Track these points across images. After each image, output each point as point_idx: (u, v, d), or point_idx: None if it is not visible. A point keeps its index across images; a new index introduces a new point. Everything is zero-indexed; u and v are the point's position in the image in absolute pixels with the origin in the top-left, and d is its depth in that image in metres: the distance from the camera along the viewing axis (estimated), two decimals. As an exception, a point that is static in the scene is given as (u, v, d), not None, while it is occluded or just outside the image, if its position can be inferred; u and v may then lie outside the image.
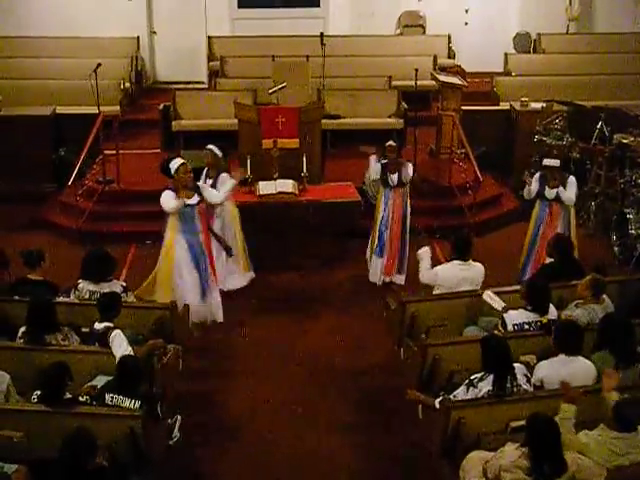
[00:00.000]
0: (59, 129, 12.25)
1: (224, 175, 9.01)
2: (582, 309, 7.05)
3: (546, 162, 9.00)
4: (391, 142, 9.45)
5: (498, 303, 7.21)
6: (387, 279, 9.62)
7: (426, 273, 7.84)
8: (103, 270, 7.65)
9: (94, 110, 11.55)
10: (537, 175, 9.07)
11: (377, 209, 9.53)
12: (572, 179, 8.89)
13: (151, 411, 6.11)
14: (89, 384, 6.37)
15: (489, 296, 7.28)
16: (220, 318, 8.53)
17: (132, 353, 6.53)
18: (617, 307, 7.11)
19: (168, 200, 8.14)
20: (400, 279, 9.56)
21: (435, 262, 8.17)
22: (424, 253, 7.95)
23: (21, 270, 7.72)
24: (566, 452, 5.25)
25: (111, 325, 6.80)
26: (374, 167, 9.43)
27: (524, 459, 5.22)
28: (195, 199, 8.23)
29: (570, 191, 8.83)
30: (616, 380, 5.74)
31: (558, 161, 8.99)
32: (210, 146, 9.25)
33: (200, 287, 8.33)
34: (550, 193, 8.89)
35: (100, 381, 6.42)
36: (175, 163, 8.19)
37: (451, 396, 6.20)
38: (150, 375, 6.70)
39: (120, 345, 6.60)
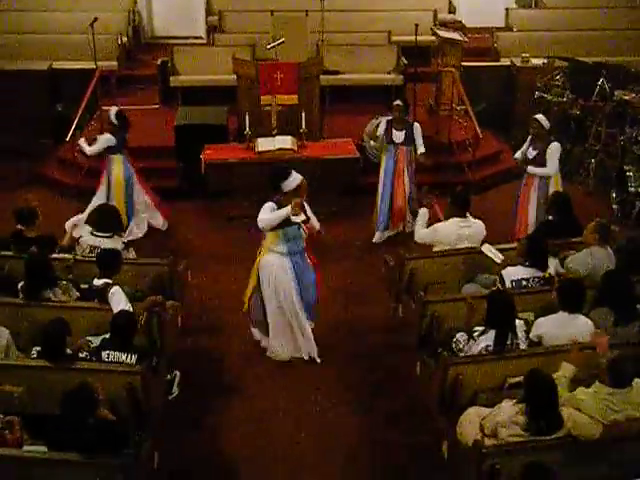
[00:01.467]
0: (56, 84, 12.17)
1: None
2: (585, 251, 7.09)
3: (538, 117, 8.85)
4: (398, 101, 9.49)
5: (497, 256, 7.22)
6: (392, 233, 9.60)
7: (421, 232, 7.82)
8: (111, 225, 7.68)
9: (91, 65, 11.44)
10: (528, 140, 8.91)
11: (381, 166, 9.52)
12: (554, 146, 8.67)
13: (148, 365, 6.16)
14: (87, 338, 6.38)
15: (489, 249, 7.29)
16: (315, 353, 7.54)
17: (131, 310, 6.56)
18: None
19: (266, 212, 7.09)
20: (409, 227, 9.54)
21: (435, 219, 8.17)
22: (421, 215, 7.93)
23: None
24: (562, 408, 5.30)
25: (110, 281, 6.81)
26: (381, 124, 9.43)
27: (521, 415, 5.28)
28: (302, 217, 7.03)
29: (550, 162, 8.64)
30: (606, 340, 5.76)
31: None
32: (538, 116, 8.87)
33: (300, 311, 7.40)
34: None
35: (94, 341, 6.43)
36: (294, 180, 7.12)
37: (453, 339, 6.27)
38: (149, 331, 6.73)
39: (119, 302, 6.61)
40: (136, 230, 9.63)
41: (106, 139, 9.37)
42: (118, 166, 9.44)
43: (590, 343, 5.98)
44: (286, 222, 7.02)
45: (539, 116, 8.84)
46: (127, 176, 9.50)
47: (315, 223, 7.36)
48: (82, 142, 9.57)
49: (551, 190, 8.71)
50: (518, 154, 9.03)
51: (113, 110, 9.47)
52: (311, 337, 7.47)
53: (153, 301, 6.90)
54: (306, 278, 7.35)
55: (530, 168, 8.77)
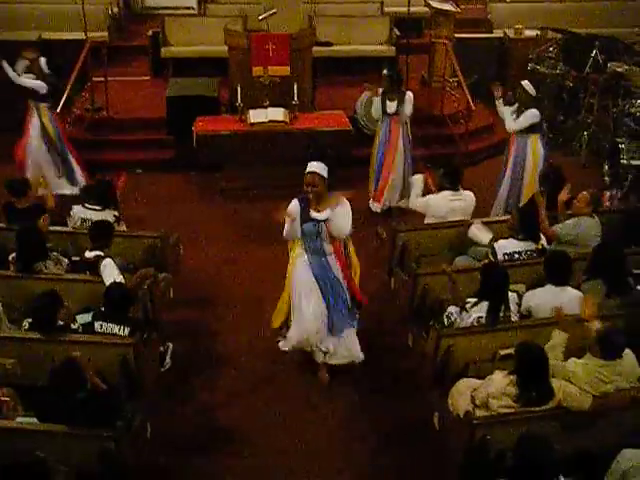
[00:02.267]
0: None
1: None
2: (573, 220, 7.16)
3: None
4: (385, 71, 9.52)
5: (486, 236, 7.21)
6: (385, 206, 9.61)
7: (417, 200, 7.83)
8: (105, 197, 7.69)
9: (82, 36, 11.34)
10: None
11: (376, 137, 9.50)
12: (530, 111, 8.61)
13: (140, 337, 6.17)
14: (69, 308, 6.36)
15: (477, 228, 7.29)
16: (359, 356, 6.89)
17: (123, 282, 6.55)
18: (604, 236, 7.17)
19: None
20: (405, 203, 9.53)
21: (426, 192, 8.16)
22: (417, 180, 7.94)
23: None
24: (553, 380, 5.33)
25: (101, 254, 6.80)
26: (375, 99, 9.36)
27: (512, 386, 5.31)
28: (327, 214, 6.45)
29: (518, 120, 8.65)
30: (595, 307, 5.78)
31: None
32: (524, 82, 8.81)
33: (326, 320, 6.70)
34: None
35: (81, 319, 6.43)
36: (308, 167, 6.53)
37: (446, 313, 6.30)
38: (143, 304, 6.73)
39: (111, 274, 6.61)
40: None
41: (38, 84, 9.33)
42: (44, 114, 9.39)
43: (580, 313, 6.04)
44: (303, 217, 6.51)
45: (524, 82, 8.81)
46: (54, 125, 9.47)
47: (341, 226, 6.53)
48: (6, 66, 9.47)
49: (528, 157, 8.77)
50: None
51: (43, 59, 9.49)
52: (345, 344, 6.79)
53: (145, 273, 6.90)
54: (331, 279, 6.64)
55: (499, 105, 8.85)
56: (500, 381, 5.41)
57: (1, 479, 4.49)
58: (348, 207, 6.50)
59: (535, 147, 8.78)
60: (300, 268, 6.64)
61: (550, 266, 6.33)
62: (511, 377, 5.36)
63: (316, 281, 6.59)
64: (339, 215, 6.44)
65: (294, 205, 6.49)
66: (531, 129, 8.71)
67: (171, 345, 7.08)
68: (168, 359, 6.99)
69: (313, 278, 6.59)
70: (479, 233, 7.27)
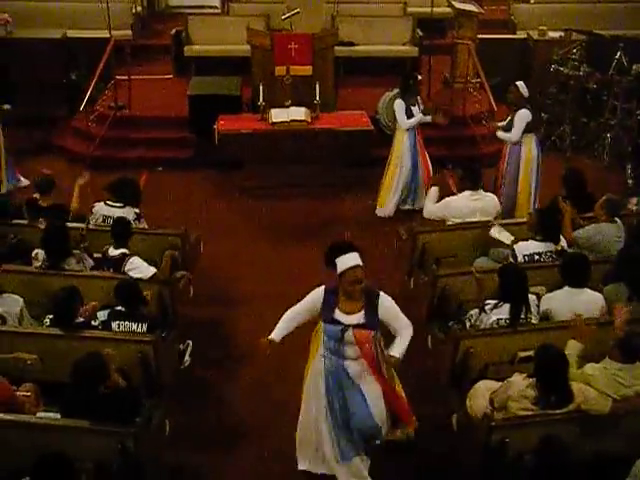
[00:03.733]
0: (70, 53, 12.14)
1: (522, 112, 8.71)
2: (594, 226, 7.13)
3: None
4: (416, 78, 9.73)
5: (506, 237, 7.21)
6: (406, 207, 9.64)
7: (431, 207, 7.83)
8: (127, 195, 7.73)
9: (105, 34, 11.43)
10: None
11: (398, 144, 9.51)
12: (522, 112, 8.70)
13: (159, 334, 6.21)
14: (92, 304, 6.40)
15: (497, 231, 7.28)
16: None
17: (155, 272, 6.76)
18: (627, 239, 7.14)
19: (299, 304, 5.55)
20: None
21: (448, 192, 8.15)
22: (432, 192, 7.95)
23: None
24: (572, 383, 5.31)
25: (127, 252, 6.86)
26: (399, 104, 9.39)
27: (531, 389, 5.29)
28: (358, 317, 5.34)
29: (514, 129, 8.72)
30: (627, 315, 5.73)
31: None
32: (518, 83, 8.95)
33: (334, 442, 5.60)
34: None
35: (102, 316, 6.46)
36: (348, 261, 5.30)
37: (467, 316, 6.28)
38: (161, 301, 6.77)
39: (142, 269, 6.76)
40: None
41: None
42: None
43: (599, 318, 6.00)
44: (325, 314, 5.41)
45: (519, 83, 8.88)
46: None
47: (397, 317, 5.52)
48: None
49: (523, 158, 8.79)
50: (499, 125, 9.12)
51: None
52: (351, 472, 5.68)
53: (170, 255, 7.05)
54: (357, 395, 5.46)
55: (498, 133, 8.91)
56: (519, 383, 5.38)
57: (30, 474, 4.52)
58: (387, 297, 5.50)
59: (530, 147, 8.86)
60: (314, 370, 5.61)
61: (568, 268, 6.30)
62: (530, 380, 5.34)
63: (325, 394, 5.51)
64: (390, 308, 5.47)
65: (318, 295, 5.46)
66: (525, 130, 8.79)
67: (191, 343, 7.11)
68: (187, 357, 7.01)
69: (323, 390, 5.51)
70: (499, 235, 7.25)
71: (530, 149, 8.84)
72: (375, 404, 5.50)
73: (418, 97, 9.58)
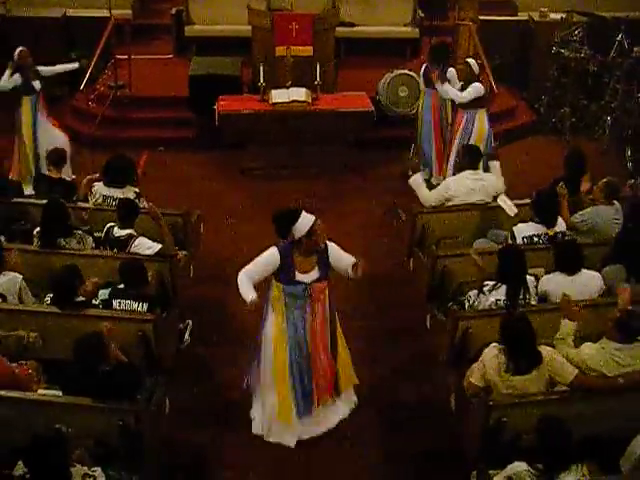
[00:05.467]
0: (70, 32, 12.11)
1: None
2: (592, 209, 7.16)
3: None
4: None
5: (512, 210, 7.23)
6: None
7: (430, 194, 7.80)
8: (124, 175, 7.70)
9: (106, 14, 11.38)
10: None
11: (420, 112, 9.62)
12: (475, 84, 8.91)
13: (159, 313, 6.24)
14: (92, 280, 6.41)
15: (503, 200, 7.31)
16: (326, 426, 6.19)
17: (158, 248, 6.77)
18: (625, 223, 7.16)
19: (254, 265, 5.78)
20: None
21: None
22: (415, 181, 7.88)
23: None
24: (542, 348, 5.36)
25: (134, 233, 6.87)
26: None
27: (502, 355, 5.34)
28: (314, 273, 5.78)
29: (461, 91, 8.93)
30: (629, 296, 5.75)
31: None
32: (470, 60, 9.20)
33: (297, 395, 5.96)
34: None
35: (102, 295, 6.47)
36: (306, 221, 5.64)
37: (466, 297, 6.31)
38: (162, 280, 6.79)
39: (149, 246, 6.79)
40: None
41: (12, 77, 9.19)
42: (26, 108, 9.30)
43: (596, 299, 6.04)
44: (284, 276, 5.74)
45: (470, 60, 9.12)
46: (34, 120, 9.32)
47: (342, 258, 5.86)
48: None
49: (475, 131, 8.95)
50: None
51: (17, 50, 9.26)
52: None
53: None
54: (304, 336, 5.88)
55: (444, 86, 9.01)
56: (491, 351, 5.44)
57: (21, 454, 4.55)
58: (332, 244, 5.84)
59: (482, 122, 9.00)
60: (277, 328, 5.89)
61: (560, 257, 6.33)
62: (500, 346, 5.39)
63: (289, 350, 5.85)
64: (336, 253, 5.83)
65: (274, 258, 5.71)
66: (478, 103, 8.95)
67: (190, 322, 7.14)
68: (187, 336, 7.05)
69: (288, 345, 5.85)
70: (505, 204, 7.27)
71: (483, 124, 9.01)
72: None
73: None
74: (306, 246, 5.63)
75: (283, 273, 5.71)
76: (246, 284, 5.71)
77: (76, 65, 9.46)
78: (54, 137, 9.28)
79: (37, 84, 9.26)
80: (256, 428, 6.12)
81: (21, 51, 9.21)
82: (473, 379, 5.52)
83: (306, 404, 5.98)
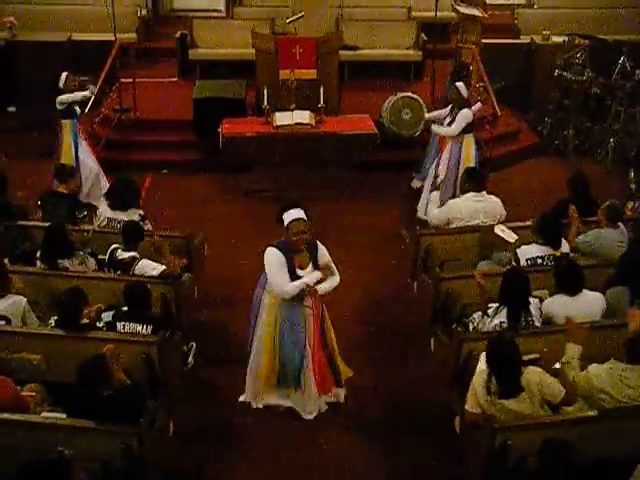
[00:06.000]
0: (75, 56, 12.18)
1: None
2: (595, 231, 7.16)
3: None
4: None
5: (510, 236, 7.23)
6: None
7: (435, 212, 7.86)
8: (129, 197, 7.73)
9: (110, 37, 11.46)
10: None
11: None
12: (464, 111, 8.88)
13: (163, 335, 6.23)
14: (98, 306, 6.42)
15: (501, 230, 7.31)
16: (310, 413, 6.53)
17: (162, 269, 6.81)
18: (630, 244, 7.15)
19: (277, 273, 6.07)
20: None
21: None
22: (434, 196, 8.18)
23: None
24: (530, 368, 5.36)
25: (137, 255, 6.89)
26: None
27: (491, 379, 5.34)
28: (310, 269, 6.15)
29: (454, 124, 8.90)
30: (576, 329, 5.71)
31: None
32: (458, 84, 9.19)
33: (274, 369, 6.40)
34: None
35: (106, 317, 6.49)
36: (292, 215, 6.06)
37: (470, 319, 6.33)
38: (166, 303, 6.79)
39: (154, 267, 6.82)
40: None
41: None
42: (67, 132, 9.35)
43: (600, 321, 6.04)
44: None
45: (459, 84, 9.09)
46: (75, 144, 9.36)
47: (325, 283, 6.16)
48: None
49: (462, 157, 8.93)
50: (433, 113, 9.34)
51: (63, 75, 9.35)
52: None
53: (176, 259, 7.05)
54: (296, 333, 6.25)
55: (433, 127, 9.09)
56: (478, 377, 5.45)
57: (21, 477, 4.53)
58: (322, 246, 6.23)
59: (469, 148, 9.02)
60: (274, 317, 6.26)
61: (559, 277, 6.32)
62: (487, 371, 5.40)
63: (280, 335, 6.23)
64: (325, 257, 6.22)
65: (280, 257, 6.04)
66: (464, 130, 8.94)
67: (194, 345, 7.13)
68: (191, 358, 7.04)
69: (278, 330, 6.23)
70: (503, 233, 7.28)
71: (470, 149, 9.02)
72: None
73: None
74: (288, 240, 6.01)
75: (289, 267, 6.04)
76: (290, 285, 6.02)
77: (87, 93, 9.49)
78: (92, 162, 9.41)
79: (77, 109, 9.34)
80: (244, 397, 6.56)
81: (67, 76, 9.31)
82: (468, 407, 5.51)
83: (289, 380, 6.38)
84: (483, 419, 5.45)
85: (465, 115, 8.87)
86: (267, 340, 6.30)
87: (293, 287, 6.01)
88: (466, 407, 5.53)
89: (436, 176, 9.12)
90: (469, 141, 9.03)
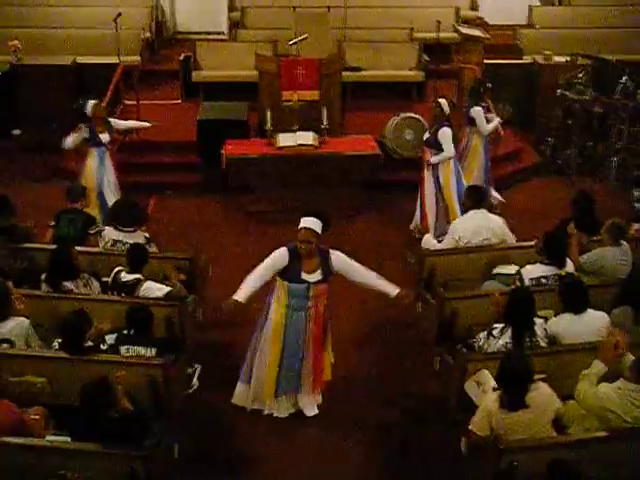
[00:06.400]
0: (80, 79, 12.25)
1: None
2: (598, 250, 7.16)
3: None
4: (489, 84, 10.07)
5: (510, 269, 7.24)
6: None
7: (443, 244, 7.90)
8: (133, 219, 7.75)
9: (114, 60, 11.54)
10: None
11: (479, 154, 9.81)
12: (446, 130, 9.00)
13: (168, 358, 6.22)
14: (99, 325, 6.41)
15: (500, 268, 7.33)
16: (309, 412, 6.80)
17: (167, 290, 6.85)
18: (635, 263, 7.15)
19: (265, 266, 6.36)
20: None
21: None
22: (426, 243, 8.35)
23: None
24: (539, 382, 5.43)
25: (141, 277, 6.89)
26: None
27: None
28: (318, 274, 6.32)
29: (445, 145, 9.02)
30: (623, 338, 5.67)
31: None
32: (441, 100, 9.30)
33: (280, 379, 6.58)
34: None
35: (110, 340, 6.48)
36: (303, 223, 6.28)
37: (475, 339, 6.31)
38: (170, 325, 6.78)
39: (159, 287, 6.85)
40: None
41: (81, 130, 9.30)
42: (92, 159, 9.34)
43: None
44: (290, 275, 6.27)
45: (441, 100, 9.19)
46: (99, 171, 9.31)
47: (353, 267, 6.42)
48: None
49: (442, 174, 9.03)
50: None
51: (90, 102, 9.35)
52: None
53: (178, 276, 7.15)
54: (301, 333, 6.45)
55: (433, 159, 9.05)
56: (490, 396, 5.49)
57: None
58: (336, 252, 6.39)
59: (450, 165, 9.09)
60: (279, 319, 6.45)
61: (566, 296, 6.31)
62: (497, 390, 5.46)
63: (284, 342, 6.43)
64: (343, 262, 6.36)
65: (283, 257, 6.25)
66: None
67: (199, 367, 7.12)
68: (195, 380, 7.03)
69: (282, 338, 6.43)
70: (504, 269, 7.30)
71: (451, 166, 9.11)
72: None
73: (489, 102, 9.82)
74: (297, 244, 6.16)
75: (290, 272, 6.23)
76: (248, 282, 6.28)
77: (147, 124, 9.53)
78: (116, 191, 9.40)
79: (105, 137, 9.27)
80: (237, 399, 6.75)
81: (95, 104, 9.30)
82: (476, 429, 5.49)
83: (288, 387, 6.58)
84: (488, 441, 5.43)
85: (447, 133, 8.98)
86: (274, 351, 6.47)
87: (243, 284, 6.28)
88: (471, 427, 5.50)
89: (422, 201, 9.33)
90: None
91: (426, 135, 9.27)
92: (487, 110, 9.70)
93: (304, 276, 6.22)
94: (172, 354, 6.45)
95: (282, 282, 6.34)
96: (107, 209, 8.95)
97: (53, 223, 8.07)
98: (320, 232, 6.23)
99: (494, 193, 9.73)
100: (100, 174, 9.28)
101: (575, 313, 6.25)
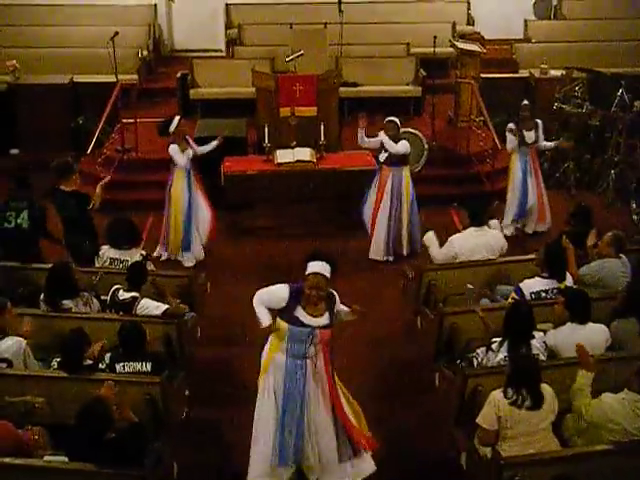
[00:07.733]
0: (77, 97, 12.29)
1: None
2: (598, 262, 7.16)
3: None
4: (526, 101, 10.13)
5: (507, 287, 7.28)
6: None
7: (438, 252, 7.84)
8: (130, 237, 7.74)
9: (112, 79, 11.56)
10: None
11: (513, 167, 10.00)
12: (402, 143, 9.23)
13: (165, 375, 6.20)
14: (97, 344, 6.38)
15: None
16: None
17: (165, 307, 6.83)
18: (634, 275, 7.14)
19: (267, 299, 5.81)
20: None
21: (454, 231, 8.18)
22: (429, 239, 8.01)
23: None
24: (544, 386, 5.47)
25: (137, 295, 6.88)
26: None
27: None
28: (324, 319, 5.69)
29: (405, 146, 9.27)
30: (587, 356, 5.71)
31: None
32: (394, 118, 9.43)
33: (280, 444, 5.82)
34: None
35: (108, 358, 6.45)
36: (314, 267, 5.63)
37: (474, 354, 6.31)
38: (169, 342, 6.77)
39: (155, 307, 6.82)
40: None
41: (171, 148, 9.24)
42: (178, 179, 9.31)
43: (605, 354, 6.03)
44: (287, 315, 5.63)
45: (394, 118, 9.35)
46: (186, 192, 9.28)
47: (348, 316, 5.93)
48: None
49: (403, 189, 9.26)
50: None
51: (176, 119, 9.33)
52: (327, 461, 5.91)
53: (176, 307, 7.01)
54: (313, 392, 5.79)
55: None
56: (497, 393, 5.51)
57: None
58: (335, 293, 5.83)
59: (408, 179, 9.31)
60: (274, 368, 5.82)
61: (572, 305, 6.30)
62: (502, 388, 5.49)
63: (283, 395, 5.76)
64: (338, 304, 5.83)
65: (284, 294, 5.65)
66: (403, 161, 9.24)
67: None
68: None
69: (282, 389, 5.76)
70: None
71: (409, 181, 9.34)
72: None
73: (539, 122, 9.88)
74: (303, 290, 5.59)
75: (288, 311, 5.63)
76: (260, 307, 5.78)
77: (216, 143, 9.58)
78: (203, 212, 9.39)
79: (190, 154, 9.30)
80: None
81: (180, 120, 9.34)
82: (486, 425, 5.48)
83: (292, 454, 5.81)
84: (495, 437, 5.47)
85: (406, 144, 9.25)
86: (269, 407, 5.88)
87: (257, 307, 5.80)
88: (479, 421, 5.53)
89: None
90: (407, 172, 9.37)
91: (383, 154, 9.39)
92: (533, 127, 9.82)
93: (304, 318, 5.60)
94: (167, 369, 6.41)
95: (281, 323, 5.68)
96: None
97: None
98: (329, 277, 5.63)
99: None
100: (190, 197, 9.27)
101: (579, 323, 6.24)
